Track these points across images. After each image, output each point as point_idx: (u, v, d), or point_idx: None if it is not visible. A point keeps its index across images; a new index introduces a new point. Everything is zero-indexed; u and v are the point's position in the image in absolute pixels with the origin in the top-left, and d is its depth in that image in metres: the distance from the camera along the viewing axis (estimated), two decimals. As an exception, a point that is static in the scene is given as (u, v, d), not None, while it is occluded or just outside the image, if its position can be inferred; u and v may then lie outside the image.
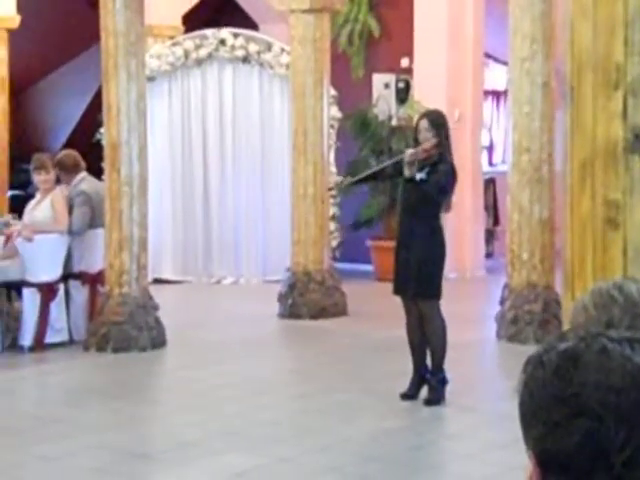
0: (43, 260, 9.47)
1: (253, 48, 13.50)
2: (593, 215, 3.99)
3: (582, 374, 1.33)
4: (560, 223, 4.57)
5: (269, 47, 13.46)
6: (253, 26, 15.60)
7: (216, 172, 13.81)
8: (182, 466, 6.20)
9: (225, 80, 13.78)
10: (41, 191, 9.90)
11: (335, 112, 12.93)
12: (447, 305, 7.73)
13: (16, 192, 15.95)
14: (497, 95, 16.65)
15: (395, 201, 10.72)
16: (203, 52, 13.65)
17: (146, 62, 10.53)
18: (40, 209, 9.77)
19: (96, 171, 10.70)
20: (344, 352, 9.53)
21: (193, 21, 15.33)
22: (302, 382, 8.53)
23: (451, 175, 7.56)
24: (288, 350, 10.34)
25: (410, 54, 14.06)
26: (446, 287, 7.73)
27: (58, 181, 10.00)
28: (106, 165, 9.69)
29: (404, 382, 7.65)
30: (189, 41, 13.79)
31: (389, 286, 7.82)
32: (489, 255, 14.95)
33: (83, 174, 10.10)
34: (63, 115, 18.07)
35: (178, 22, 15.57)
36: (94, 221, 9.82)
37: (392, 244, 8.22)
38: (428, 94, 13.15)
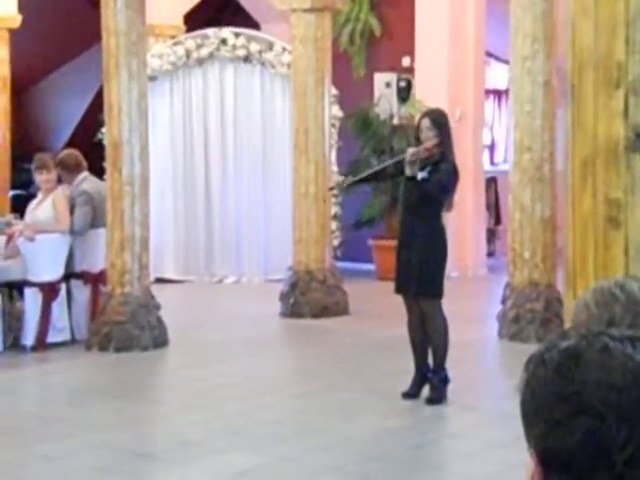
0: (45, 260, 9.47)
1: (254, 47, 13.50)
2: (594, 214, 3.99)
3: (583, 372, 1.33)
4: (561, 222, 4.57)
5: (270, 46, 13.47)
6: (254, 25, 15.60)
7: (218, 171, 13.81)
8: (184, 465, 6.20)
9: (226, 79, 13.79)
10: (43, 191, 9.90)
11: (336, 111, 12.94)
12: (449, 304, 7.73)
13: (18, 192, 15.95)
14: (498, 94, 16.65)
15: (397, 200, 10.74)
16: (204, 51, 13.65)
17: (147, 61, 10.52)
18: (42, 209, 9.77)
19: (98, 171, 10.70)
20: (346, 351, 9.53)
21: (194, 20, 15.33)
22: (304, 381, 8.53)
23: (453, 174, 7.56)
24: (290, 349, 10.34)
25: (411, 53, 14.05)
26: (448, 286, 7.73)
27: (60, 181, 10.01)
28: (108, 165, 9.69)
29: (406, 381, 7.65)
30: (190, 40, 13.79)
31: (391, 285, 7.82)
32: (491, 254, 14.95)
33: (85, 174, 10.11)
34: (64, 115, 18.08)
35: (179, 21, 15.58)
36: (96, 221, 9.82)
37: (394, 243, 8.22)
38: (429, 93, 13.15)
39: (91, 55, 14.71)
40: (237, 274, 13.73)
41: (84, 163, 10.16)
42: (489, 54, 14.96)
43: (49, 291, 9.46)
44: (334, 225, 12.83)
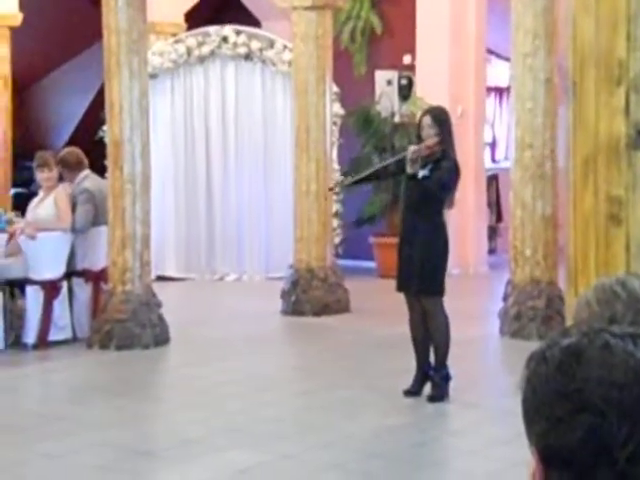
0: (46, 258, 9.48)
1: (255, 45, 13.50)
2: (596, 211, 3.99)
3: (585, 370, 1.33)
4: (563, 219, 4.57)
5: (271, 44, 13.47)
6: (255, 23, 15.60)
7: (219, 169, 13.82)
8: (185, 463, 6.20)
9: (227, 77, 13.79)
10: (44, 189, 9.90)
11: (337, 109, 12.93)
12: (450, 301, 7.73)
13: (19, 190, 15.96)
14: (500, 91, 16.64)
15: (398, 198, 10.74)
16: (205, 49, 13.65)
17: (148, 59, 10.52)
18: (43, 207, 9.78)
19: (99, 169, 10.70)
20: (347, 349, 9.53)
21: (195, 18, 15.34)
22: (305, 379, 8.53)
23: (454, 172, 7.56)
24: (291, 347, 10.35)
25: (412, 51, 14.05)
26: (449, 283, 7.73)
27: (61, 179, 10.01)
28: (109, 163, 9.70)
29: (407, 379, 7.65)
30: (191, 38, 13.79)
31: (392, 283, 7.82)
32: (492, 251, 14.96)
33: (86, 172, 10.11)
34: (66, 113, 18.09)
35: (180, 19, 15.58)
36: (97, 219, 9.82)
37: (395, 241, 8.22)
38: (430, 91, 13.15)
39: (92, 53, 14.73)
40: (238, 272, 13.73)
41: (85, 161, 10.16)
42: (490, 51, 14.96)
43: (50, 289, 9.47)
44: (335, 223, 12.83)
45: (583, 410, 1.32)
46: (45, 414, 7.45)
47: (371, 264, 13.79)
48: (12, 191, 15.37)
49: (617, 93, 3.90)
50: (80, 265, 9.84)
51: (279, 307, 11.16)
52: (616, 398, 1.31)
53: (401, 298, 7.71)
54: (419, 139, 7.59)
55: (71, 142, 14.81)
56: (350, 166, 13.30)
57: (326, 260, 11.23)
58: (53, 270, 9.51)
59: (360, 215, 13.73)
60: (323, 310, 11.00)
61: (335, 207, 12.81)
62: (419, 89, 13.66)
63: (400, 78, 13.88)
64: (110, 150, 9.62)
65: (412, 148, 7.48)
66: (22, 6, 14.60)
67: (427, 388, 7.62)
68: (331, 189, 10.82)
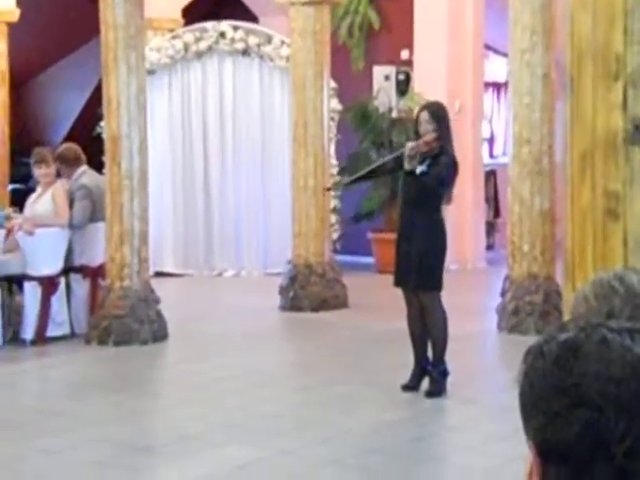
0: (44, 254, 9.47)
1: (253, 41, 13.49)
2: (593, 206, 3.99)
3: (582, 364, 1.33)
4: (561, 214, 4.57)
5: (269, 39, 13.46)
6: (253, 19, 15.59)
7: (216, 165, 13.81)
8: (183, 459, 6.20)
9: (225, 73, 13.78)
10: (42, 185, 9.90)
11: (335, 104, 12.93)
12: (448, 297, 7.74)
13: (17, 186, 15.95)
14: (497, 87, 16.64)
15: (396, 193, 10.72)
16: (203, 45, 13.64)
17: (146, 55, 10.52)
18: (41, 203, 9.77)
19: (97, 164, 10.69)
20: (345, 344, 9.53)
21: (193, 14, 15.32)
22: (303, 374, 8.53)
23: (452, 167, 7.55)
24: (289, 342, 10.35)
25: (410, 46, 14.05)
26: (447, 279, 7.73)
27: (59, 175, 10.00)
28: (107, 159, 9.68)
29: (405, 374, 7.66)
30: (189, 34, 13.78)
31: (390, 278, 7.82)
32: (490, 247, 14.96)
33: (84, 168, 10.10)
34: (63, 108, 18.07)
35: (178, 15, 15.56)
36: (95, 215, 9.82)
37: (393, 236, 8.22)
38: (428, 86, 13.15)
39: (89, 49, 14.71)
40: (236, 267, 13.73)
41: (83, 157, 10.15)
42: (488, 47, 14.96)
43: (48, 285, 9.46)
44: (333, 218, 12.83)
45: (580, 405, 1.31)
46: (43, 410, 7.45)
47: (369, 260, 13.80)
48: (10, 187, 15.36)
49: (614, 88, 3.90)
50: (78, 261, 9.84)
51: (277, 303, 11.16)
52: (613, 393, 1.31)
53: (399, 293, 7.71)
54: (417, 135, 7.58)
55: (69, 138, 14.78)
56: (348, 162, 13.31)
57: (324, 256, 11.23)
58: (51, 266, 9.51)
59: (358, 211, 13.73)
60: (321, 306, 11.00)
61: (333, 203, 12.81)
62: (417, 84, 13.65)
63: (398, 73, 13.87)
64: (108, 146, 9.61)
65: (410, 144, 7.48)
66: (19, 2, 14.59)
67: (425, 383, 7.63)
68: (329, 189, 10.82)
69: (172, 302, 10.56)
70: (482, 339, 9.93)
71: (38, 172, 9.84)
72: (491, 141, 16.72)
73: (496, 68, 16.06)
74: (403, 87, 13.82)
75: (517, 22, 9.71)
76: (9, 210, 10.84)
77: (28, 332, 9.41)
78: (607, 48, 3.90)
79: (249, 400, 7.59)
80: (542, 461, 1.36)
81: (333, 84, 12.24)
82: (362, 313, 10.91)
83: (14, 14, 14.63)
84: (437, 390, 7.54)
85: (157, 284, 10.12)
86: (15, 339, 9.46)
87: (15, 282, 9.65)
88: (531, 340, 1.43)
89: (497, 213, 15.52)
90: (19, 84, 16.82)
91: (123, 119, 9.44)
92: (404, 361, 7.76)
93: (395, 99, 13.76)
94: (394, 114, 13.73)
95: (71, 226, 9.71)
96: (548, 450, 1.35)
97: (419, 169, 7.45)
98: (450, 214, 10.79)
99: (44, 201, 9.75)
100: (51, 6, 16.04)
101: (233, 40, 13.52)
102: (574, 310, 2.25)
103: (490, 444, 6.44)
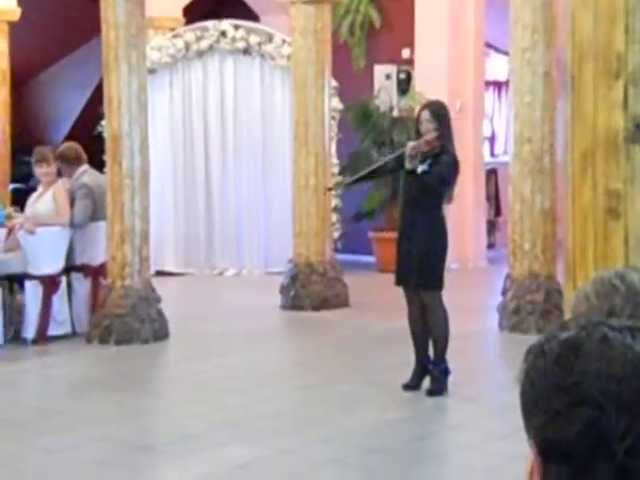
0: (45, 253, 9.48)
1: (254, 39, 13.49)
2: (594, 205, 3.99)
3: (583, 363, 1.33)
4: (561, 213, 4.57)
5: (270, 38, 13.46)
6: (254, 17, 15.59)
7: (217, 164, 13.81)
8: (185, 458, 6.20)
9: (226, 72, 13.78)
10: (43, 184, 9.90)
11: (336, 103, 12.92)
12: (449, 296, 7.73)
13: (18, 185, 15.95)
14: (498, 85, 16.64)
15: (397, 192, 10.73)
16: (204, 44, 13.64)
17: (147, 54, 10.51)
18: (42, 202, 9.77)
19: (98, 164, 10.69)
20: (346, 343, 9.53)
21: (194, 13, 15.32)
22: (304, 374, 8.53)
23: (453, 166, 7.55)
24: (290, 342, 10.35)
25: (411, 45, 14.05)
26: (448, 278, 7.73)
27: (60, 174, 10.00)
28: (107, 158, 9.68)
29: (406, 373, 7.65)
30: (190, 33, 13.78)
31: (391, 277, 7.82)
32: (491, 246, 14.96)
33: (85, 167, 10.10)
34: (64, 107, 18.07)
35: (179, 14, 15.56)
36: (96, 214, 9.82)
37: (394, 235, 8.22)
38: (429, 85, 13.15)
39: (90, 48, 14.70)
40: (237, 267, 13.73)
41: (84, 156, 10.15)
42: (489, 45, 14.96)
43: (49, 284, 9.47)
44: (334, 217, 12.83)
45: (581, 403, 1.31)
46: (44, 409, 7.45)
47: (370, 259, 13.80)
48: (11, 186, 15.37)
49: (615, 87, 3.90)
50: (79, 260, 9.84)
51: (278, 302, 11.16)
52: (614, 391, 1.31)
53: (400, 292, 7.71)
54: (418, 134, 7.57)
55: (70, 137, 14.78)
56: (349, 161, 13.31)
57: (325, 255, 11.23)
58: (52, 265, 9.51)
59: (359, 210, 13.73)
60: (322, 305, 11.00)
61: (334, 202, 12.81)
62: (418, 83, 13.65)
63: (399, 72, 13.87)
64: (109, 145, 9.61)
65: (411, 144, 7.47)
66: (20, 1, 14.60)
67: (426, 382, 7.63)
68: (330, 189, 10.81)
69: (173, 301, 10.57)
70: (483, 338, 9.93)
71: (39, 171, 9.84)
72: (492, 140, 16.72)
73: (497, 67, 16.06)
74: (404, 86, 13.81)
75: (518, 20, 9.70)
76: (10, 209, 10.85)
77: (29, 331, 9.41)
78: (608, 47, 3.90)
79: (250, 399, 7.59)
80: (543, 460, 1.36)
81: (334, 83, 12.24)
82: (363, 312, 10.91)
83: (15, 13, 14.64)
84: (438, 389, 7.54)
85: (158, 283, 10.12)
86: (16, 338, 9.46)
87: (16, 281, 9.65)
88: (532, 339, 1.43)
89: (498, 212, 15.52)
90: (20, 83, 16.83)
91: (124, 118, 9.44)
92: (405, 360, 7.75)
93: (396, 98, 13.76)
94: (395, 113, 13.73)
95: (72, 225, 9.71)
96: (549, 449, 1.35)
97: (420, 168, 7.45)
98: (451, 213, 10.78)
99: (45, 200, 9.75)
100: (52, 5, 16.05)
101: (234, 39, 13.52)
102: (575, 309, 2.25)
103: (491, 443, 6.43)
